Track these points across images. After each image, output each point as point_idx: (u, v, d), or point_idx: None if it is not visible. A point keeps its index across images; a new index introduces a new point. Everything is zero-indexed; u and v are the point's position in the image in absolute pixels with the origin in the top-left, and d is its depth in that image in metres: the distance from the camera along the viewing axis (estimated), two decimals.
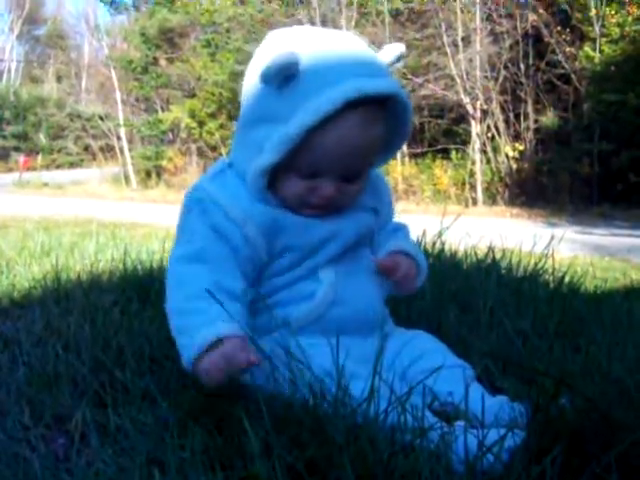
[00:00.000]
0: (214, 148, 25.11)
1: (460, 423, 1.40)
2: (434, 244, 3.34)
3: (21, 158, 34.18)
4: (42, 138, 38.83)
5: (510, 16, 19.96)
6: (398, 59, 1.71)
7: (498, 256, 3.37)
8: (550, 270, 3.27)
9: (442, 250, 3.40)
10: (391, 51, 1.70)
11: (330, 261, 1.71)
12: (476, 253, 3.42)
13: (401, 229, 1.96)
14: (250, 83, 1.68)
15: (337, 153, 1.60)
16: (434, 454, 1.29)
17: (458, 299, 2.47)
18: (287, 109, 1.56)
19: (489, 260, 3.34)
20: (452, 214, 3.38)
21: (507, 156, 20.18)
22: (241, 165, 1.68)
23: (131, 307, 2.27)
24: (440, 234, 3.35)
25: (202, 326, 1.52)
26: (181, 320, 1.59)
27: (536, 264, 3.30)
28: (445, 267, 3.02)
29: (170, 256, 1.72)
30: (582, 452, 1.31)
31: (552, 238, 3.38)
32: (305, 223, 1.69)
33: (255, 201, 1.65)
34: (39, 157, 37.60)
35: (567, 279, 3.19)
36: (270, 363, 1.50)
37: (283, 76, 1.55)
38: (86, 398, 1.66)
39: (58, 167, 37.77)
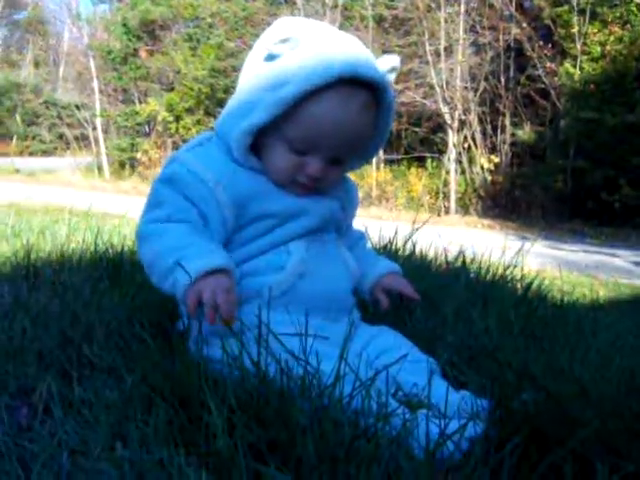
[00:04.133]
0: None
1: (423, 411, 1.42)
2: (405, 244, 3.37)
3: None
4: (19, 122, 38.40)
5: (493, 28, 20.08)
6: (391, 70, 1.78)
7: (467, 261, 3.41)
8: (518, 277, 3.32)
9: (412, 252, 3.43)
10: (387, 61, 1.77)
11: (299, 236, 1.75)
12: (446, 256, 3.45)
13: (362, 238, 2.08)
14: (250, 61, 1.76)
15: (329, 128, 1.66)
16: (395, 440, 1.31)
17: (426, 299, 2.49)
18: (282, 77, 1.63)
19: (458, 264, 3.37)
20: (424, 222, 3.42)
21: (482, 167, 20.29)
22: (225, 129, 1.72)
23: (101, 286, 2.27)
24: (411, 235, 3.38)
25: (197, 256, 1.57)
26: (176, 254, 1.60)
27: (504, 271, 3.34)
28: (414, 267, 3.04)
29: (139, 222, 1.73)
30: (540, 444, 1.33)
31: (521, 248, 3.43)
32: (280, 192, 1.73)
33: (233, 165, 1.70)
34: (13, 142, 37.20)
35: (534, 287, 3.23)
36: (239, 339, 1.52)
37: (283, 47, 1.63)
38: (52, 371, 1.65)
39: (31, 154, 37.35)
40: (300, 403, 1.35)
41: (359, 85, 1.65)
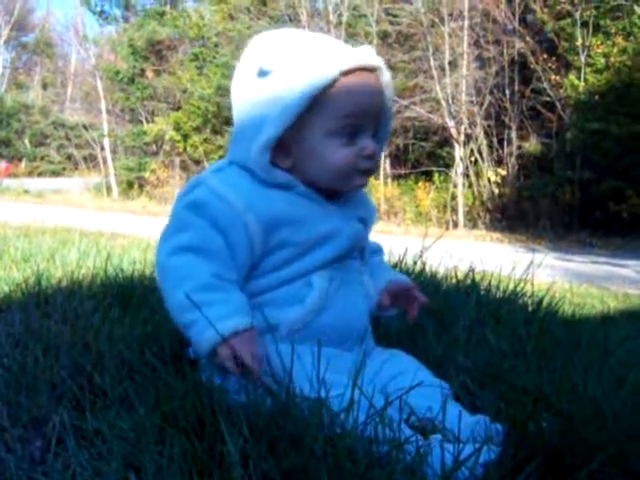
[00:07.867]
0: (197, 162, 25.10)
1: (436, 437, 1.42)
2: (415, 263, 3.36)
3: (2, 164, 34.01)
4: (27, 144, 38.60)
5: (497, 42, 20.14)
6: None
7: (478, 278, 3.40)
8: (529, 293, 3.30)
9: (422, 270, 3.42)
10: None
11: (324, 266, 1.71)
12: (456, 274, 3.44)
13: (379, 251, 2.03)
14: (240, 84, 1.77)
15: (363, 97, 1.67)
16: (410, 467, 1.30)
17: (437, 318, 2.48)
18: (282, 89, 1.63)
19: (469, 281, 3.36)
20: (433, 236, 3.40)
21: (489, 180, 20.31)
22: (242, 154, 1.69)
23: (112, 313, 2.27)
24: (421, 254, 3.37)
25: (216, 320, 1.53)
26: (190, 314, 1.56)
27: (515, 287, 3.33)
28: (425, 286, 3.03)
29: (161, 248, 1.68)
30: (556, 469, 1.32)
31: (531, 262, 3.41)
32: (305, 216, 1.69)
33: (259, 189, 1.66)
34: (22, 163, 37.41)
35: (545, 303, 3.21)
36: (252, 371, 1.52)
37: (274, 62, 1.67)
38: (64, 401, 1.65)
39: (40, 175, 37.50)
40: (313, 431, 1.34)
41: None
